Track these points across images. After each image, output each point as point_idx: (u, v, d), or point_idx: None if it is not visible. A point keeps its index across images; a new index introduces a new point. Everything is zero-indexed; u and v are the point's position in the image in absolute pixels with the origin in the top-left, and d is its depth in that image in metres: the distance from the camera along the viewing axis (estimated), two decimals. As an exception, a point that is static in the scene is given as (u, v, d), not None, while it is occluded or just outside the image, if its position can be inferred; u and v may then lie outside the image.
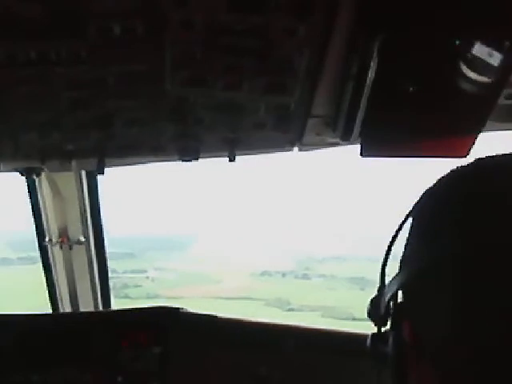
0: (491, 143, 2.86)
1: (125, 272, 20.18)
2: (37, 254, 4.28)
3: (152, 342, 3.66)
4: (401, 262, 1.28)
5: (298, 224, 23.89)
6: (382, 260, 1.39)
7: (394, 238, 1.38)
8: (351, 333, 3.54)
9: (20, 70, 2.18)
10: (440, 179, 1.26)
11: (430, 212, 1.24)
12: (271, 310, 19.46)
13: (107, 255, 4.40)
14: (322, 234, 22.56)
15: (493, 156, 1.23)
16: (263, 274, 22.37)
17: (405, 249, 1.29)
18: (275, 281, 21.97)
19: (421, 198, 1.28)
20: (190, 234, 23.08)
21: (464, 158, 2.60)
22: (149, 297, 19.40)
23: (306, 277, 21.93)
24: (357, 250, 20.71)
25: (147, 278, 21.19)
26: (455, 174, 1.24)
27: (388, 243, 1.39)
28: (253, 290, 21.20)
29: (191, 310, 3.83)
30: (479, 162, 1.23)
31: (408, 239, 1.29)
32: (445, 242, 1.14)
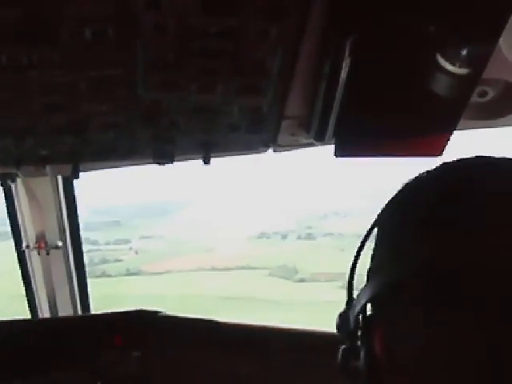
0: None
1: (107, 243, 17.90)
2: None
3: (131, 346, 3.66)
4: (368, 273, 1.26)
5: (291, 181, 20.89)
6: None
7: (360, 249, 1.37)
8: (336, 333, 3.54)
9: None
10: (403, 187, 1.25)
11: (396, 222, 1.23)
12: (278, 281, 16.70)
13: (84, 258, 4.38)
14: (317, 189, 19.68)
15: (458, 160, 1.22)
16: (261, 236, 19.33)
17: (372, 260, 1.27)
18: (276, 244, 18.91)
19: (385, 207, 1.27)
20: (180, 200, 20.65)
21: (438, 157, 2.62)
22: (129, 273, 17.18)
23: (310, 237, 18.77)
24: (356, 203, 17.84)
25: (130, 249, 18.65)
26: (419, 182, 1.23)
27: (354, 255, 1.38)
28: (251, 256, 18.31)
29: (170, 313, 3.83)
30: (443, 167, 1.22)
31: (374, 250, 1.27)
32: (412, 253, 1.13)
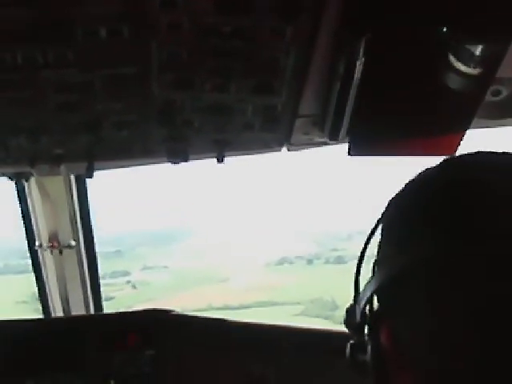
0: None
1: (102, 277, 13.75)
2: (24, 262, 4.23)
3: (144, 345, 3.67)
4: (373, 267, 1.29)
5: (305, 200, 17.98)
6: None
7: (366, 245, 1.40)
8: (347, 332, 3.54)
9: (7, 74, 2.18)
10: (407, 184, 1.27)
11: (400, 217, 1.25)
12: (315, 323, 11.24)
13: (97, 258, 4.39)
14: (336, 208, 16.95)
15: (459, 157, 1.25)
16: (281, 261, 16.20)
17: (377, 254, 1.30)
18: (301, 270, 15.84)
19: (389, 203, 1.30)
20: (188, 225, 18.07)
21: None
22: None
23: (340, 261, 15.37)
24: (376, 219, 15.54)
25: (128, 282, 16.09)
26: (422, 178, 1.26)
27: (360, 251, 1.41)
28: (273, 288, 15.11)
29: (182, 312, 3.83)
30: (445, 164, 1.25)
31: (379, 245, 1.30)
32: (415, 247, 1.15)
